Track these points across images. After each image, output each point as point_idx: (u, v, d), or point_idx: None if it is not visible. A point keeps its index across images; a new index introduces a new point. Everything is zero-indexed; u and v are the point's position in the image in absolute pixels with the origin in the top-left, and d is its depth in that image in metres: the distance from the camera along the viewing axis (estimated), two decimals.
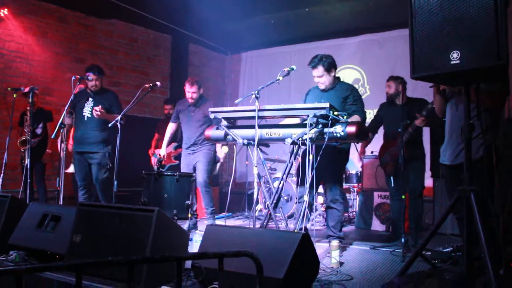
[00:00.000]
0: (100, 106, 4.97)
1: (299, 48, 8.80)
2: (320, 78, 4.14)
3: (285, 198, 6.44)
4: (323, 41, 8.53)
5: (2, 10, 6.25)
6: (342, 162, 4.26)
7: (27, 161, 5.32)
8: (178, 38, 8.69)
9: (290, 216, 6.70)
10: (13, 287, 1.44)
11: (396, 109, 4.76)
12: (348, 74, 8.36)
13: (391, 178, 4.89)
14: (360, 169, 6.40)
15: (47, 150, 6.14)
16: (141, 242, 2.81)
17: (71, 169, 5.79)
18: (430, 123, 4.62)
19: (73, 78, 4.89)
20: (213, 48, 9.57)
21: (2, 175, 5.35)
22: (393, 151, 4.80)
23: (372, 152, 6.28)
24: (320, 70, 4.11)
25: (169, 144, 6.36)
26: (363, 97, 8.08)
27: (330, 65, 4.14)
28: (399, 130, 4.25)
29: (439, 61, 2.49)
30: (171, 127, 5.72)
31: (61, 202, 5.12)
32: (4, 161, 5.38)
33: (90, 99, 5.23)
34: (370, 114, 7.99)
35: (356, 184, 6.62)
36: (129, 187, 6.55)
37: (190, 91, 5.40)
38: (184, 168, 5.38)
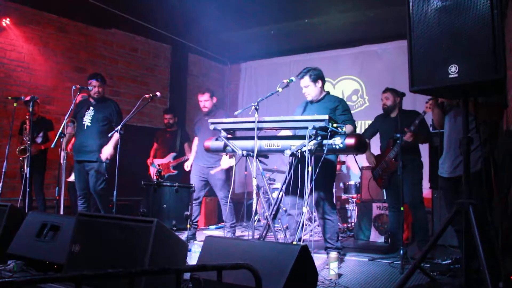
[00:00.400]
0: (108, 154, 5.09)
1: (298, 58, 8.85)
2: (307, 88, 4.25)
3: (284, 209, 6.43)
4: (323, 52, 8.59)
5: (3, 20, 6.28)
6: (331, 173, 4.30)
7: (26, 170, 5.32)
8: (178, 48, 8.73)
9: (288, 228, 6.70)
10: None
11: (390, 121, 4.81)
12: (347, 84, 8.40)
13: (384, 191, 4.92)
14: (359, 180, 6.41)
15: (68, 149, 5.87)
16: (140, 253, 2.81)
17: (72, 178, 5.78)
18: (418, 139, 4.64)
19: (73, 87, 4.93)
20: (213, 58, 9.62)
21: (1, 183, 5.35)
22: (383, 164, 4.83)
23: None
24: (306, 80, 4.23)
25: (168, 154, 6.38)
26: (361, 108, 8.25)
27: (317, 77, 4.25)
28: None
29: (437, 74, 2.51)
30: (195, 143, 5.82)
31: (61, 212, 5.12)
32: (3, 170, 5.39)
33: (91, 108, 5.27)
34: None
35: (355, 195, 6.63)
36: (128, 196, 6.54)
37: (202, 100, 5.47)
38: (194, 179, 5.38)
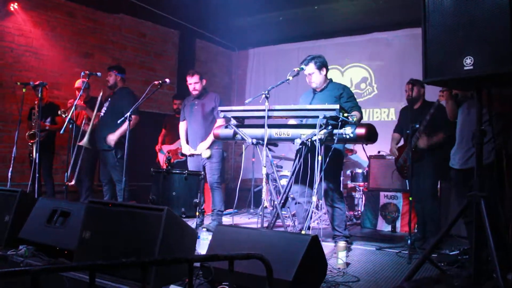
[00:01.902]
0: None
1: (307, 45, 8.77)
2: (311, 76, 4.24)
3: (291, 196, 6.45)
4: (331, 39, 8.49)
5: (12, 5, 6.26)
6: (339, 162, 4.31)
7: (35, 155, 5.36)
8: (186, 34, 8.68)
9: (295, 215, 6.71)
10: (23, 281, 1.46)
11: (413, 112, 4.73)
12: (355, 72, 8.33)
13: (407, 181, 4.86)
14: (367, 169, 6.40)
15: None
16: (150, 240, 2.83)
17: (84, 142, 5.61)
18: (431, 141, 4.60)
19: (82, 73, 4.96)
20: (221, 44, 9.56)
21: (11, 168, 5.39)
22: (405, 156, 4.83)
23: (379, 152, 6.28)
24: (311, 67, 4.22)
25: (177, 140, 6.37)
26: (370, 96, 8.19)
27: (321, 64, 4.25)
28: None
29: (452, 66, 2.48)
30: (182, 127, 5.51)
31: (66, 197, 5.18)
32: (13, 155, 5.43)
33: (109, 98, 5.50)
34: (378, 113, 8.00)
35: (362, 183, 6.62)
36: (136, 181, 6.59)
37: (192, 82, 5.28)
38: (192, 168, 5.30)
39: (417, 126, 4.49)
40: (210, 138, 5.03)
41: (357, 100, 4.31)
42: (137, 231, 2.96)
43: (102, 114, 5.45)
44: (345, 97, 4.15)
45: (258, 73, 9.63)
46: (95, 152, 5.57)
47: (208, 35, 8.98)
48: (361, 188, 6.70)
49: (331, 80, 4.40)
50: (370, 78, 8.26)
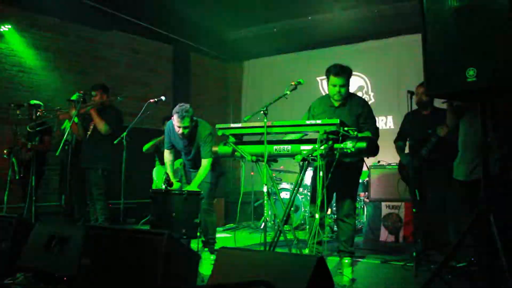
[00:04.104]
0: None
1: (302, 55, 8.75)
2: (342, 87, 3.98)
3: (292, 209, 6.38)
4: (326, 49, 8.47)
5: (4, 26, 6.21)
6: (355, 177, 4.20)
7: (31, 178, 5.28)
8: (180, 48, 8.66)
9: (298, 227, 6.65)
10: None
11: (421, 119, 4.61)
12: (351, 81, 8.26)
13: (416, 191, 4.65)
14: (367, 178, 6.33)
15: None
16: (152, 266, 2.75)
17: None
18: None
19: (76, 94, 4.93)
20: (215, 57, 9.52)
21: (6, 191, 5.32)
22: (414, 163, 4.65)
23: (378, 162, 6.23)
24: (343, 79, 3.98)
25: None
26: None
27: (350, 77, 4.05)
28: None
29: (454, 78, 2.42)
30: (168, 158, 4.73)
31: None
32: (8, 178, 5.35)
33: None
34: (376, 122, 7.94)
35: (362, 193, 6.56)
36: (133, 199, 6.51)
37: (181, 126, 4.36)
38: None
39: (430, 131, 4.33)
40: (201, 176, 4.43)
41: None
42: (137, 257, 2.88)
43: (88, 133, 5.28)
44: (363, 118, 3.99)
45: (254, 84, 9.60)
46: (80, 170, 5.40)
47: (202, 49, 8.94)
48: (362, 198, 6.63)
49: (350, 93, 4.19)
50: (366, 86, 8.23)
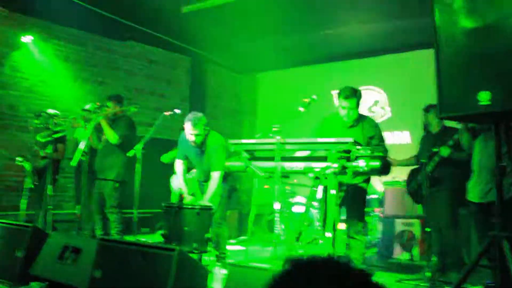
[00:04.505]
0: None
1: (316, 69, 8.74)
2: (351, 110, 4.07)
3: (306, 224, 6.34)
4: (342, 62, 8.44)
5: (26, 37, 6.36)
6: (362, 196, 4.21)
7: (45, 187, 5.34)
8: (196, 59, 8.74)
9: (311, 242, 6.59)
10: None
11: (431, 138, 4.69)
12: (367, 95, 8.24)
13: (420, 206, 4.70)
14: (382, 195, 6.27)
15: None
16: (161, 281, 2.78)
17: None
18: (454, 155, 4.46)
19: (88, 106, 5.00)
20: (230, 69, 9.58)
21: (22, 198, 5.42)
22: (418, 179, 4.69)
23: (393, 178, 6.16)
24: (353, 103, 4.06)
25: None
26: (383, 118, 8.07)
27: (360, 99, 4.13)
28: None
29: (468, 101, 2.40)
30: (180, 168, 4.73)
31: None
32: (25, 186, 5.45)
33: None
34: (391, 137, 7.87)
35: (377, 209, 6.50)
36: (149, 208, 6.56)
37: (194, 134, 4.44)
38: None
39: (435, 151, 4.38)
40: (213, 190, 4.40)
41: None
42: (148, 271, 2.91)
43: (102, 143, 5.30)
44: (376, 140, 4.05)
45: (268, 96, 9.61)
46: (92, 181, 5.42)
47: (217, 60, 9.01)
48: (377, 213, 6.56)
49: (361, 115, 4.25)
50: (382, 100, 8.17)
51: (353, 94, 4.04)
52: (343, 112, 4.08)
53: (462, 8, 2.50)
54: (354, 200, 3.93)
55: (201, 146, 4.52)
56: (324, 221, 3.95)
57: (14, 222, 4.33)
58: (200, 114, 4.50)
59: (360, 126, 4.12)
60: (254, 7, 6.40)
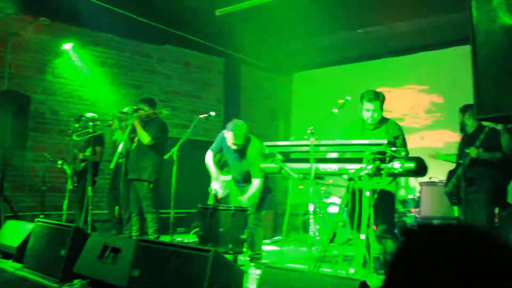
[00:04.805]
0: None
1: (353, 67, 8.65)
2: (375, 113, 4.08)
3: (340, 224, 6.31)
4: (378, 60, 8.30)
5: (66, 43, 6.61)
6: (392, 199, 4.18)
7: (87, 189, 5.51)
8: (230, 61, 8.81)
9: (345, 243, 6.55)
10: None
11: (466, 138, 4.61)
12: (405, 94, 8.09)
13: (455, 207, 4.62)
14: (419, 194, 6.17)
15: None
16: (197, 281, 2.84)
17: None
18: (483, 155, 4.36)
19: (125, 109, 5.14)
20: (265, 69, 9.60)
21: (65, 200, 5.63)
22: (454, 180, 4.60)
23: (430, 178, 6.04)
24: (377, 106, 4.06)
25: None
26: (421, 119, 7.86)
27: (383, 102, 4.13)
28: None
29: (506, 101, 2.33)
30: (210, 158, 4.91)
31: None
32: (67, 187, 5.66)
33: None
34: (429, 137, 7.68)
35: (413, 209, 6.39)
36: (185, 208, 6.67)
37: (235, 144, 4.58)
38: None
39: (467, 152, 4.31)
40: (253, 195, 4.60)
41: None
42: (184, 272, 2.98)
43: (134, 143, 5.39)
44: (401, 141, 4.02)
45: (304, 96, 9.56)
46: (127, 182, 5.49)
47: (252, 61, 9.06)
48: (413, 214, 6.45)
49: (383, 117, 4.24)
50: (422, 100, 7.98)
51: (376, 97, 4.07)
52: (366, 115, 4.11)
53: (502, 4, 2.43)
54: (381, 201, 3.87)
55: (241, 151, 4.67)
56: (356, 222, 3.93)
57: (58, 222, 4.52)
58: (241, 122, 4.64)
59: (384, 127, 4.14)
60: (288, 7, 6.41)
